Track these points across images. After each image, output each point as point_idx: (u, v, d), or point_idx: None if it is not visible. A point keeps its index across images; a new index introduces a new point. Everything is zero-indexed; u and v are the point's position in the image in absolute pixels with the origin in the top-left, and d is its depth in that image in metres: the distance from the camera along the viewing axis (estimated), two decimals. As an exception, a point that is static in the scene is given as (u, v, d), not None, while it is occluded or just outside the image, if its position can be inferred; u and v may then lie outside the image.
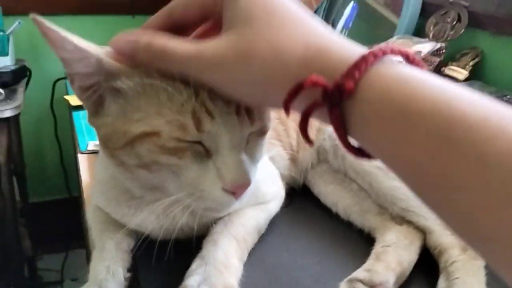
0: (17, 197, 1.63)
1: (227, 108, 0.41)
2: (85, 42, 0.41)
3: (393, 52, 0.32)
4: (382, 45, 0.32)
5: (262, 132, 0.46)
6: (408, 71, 0.30)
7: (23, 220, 1.72)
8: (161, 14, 0.42)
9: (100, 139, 0.46)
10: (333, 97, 0.31)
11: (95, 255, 0.57)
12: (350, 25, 1.34)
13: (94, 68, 0.41)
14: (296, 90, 0.32)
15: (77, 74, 0.42)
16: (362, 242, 0.64)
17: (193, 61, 0.37)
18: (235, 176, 0.42)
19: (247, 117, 0.42)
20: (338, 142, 0.69)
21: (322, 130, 0.73)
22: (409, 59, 0.32)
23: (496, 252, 0.26)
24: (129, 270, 0.56)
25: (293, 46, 0.33)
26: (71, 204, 1.85)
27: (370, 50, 0.31)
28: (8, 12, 1.58)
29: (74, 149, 1.00)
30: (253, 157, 0.46)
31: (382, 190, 0.64)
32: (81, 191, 0.80)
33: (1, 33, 1.54)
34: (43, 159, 2.03)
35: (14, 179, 1.56)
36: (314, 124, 0.74)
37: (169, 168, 0.42)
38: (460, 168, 0.26)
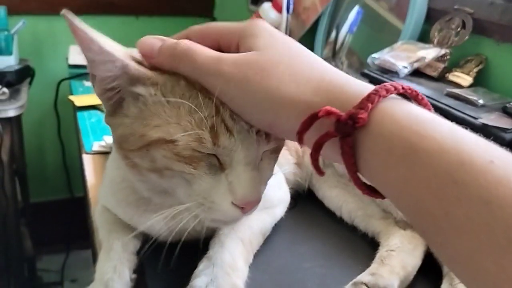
0: (19, 197, 1.64)
1: (247, 126, 0.41)
2: (112, 43, 0.42)
3: (404, 89, 0.33)
4: (393, 82, 0.33)
5: (276, 150, 0.47)
6: (418, 111, 0.31)
7: (24, 220, 1.73)
8: (178, 36, 0.43)
9: (116, 139, 0.47)
10: (346, 127, 0.31)
11: (101, 255, 0.58)
12: (354, 29, 1.34)
13: (118, 72, 0.42)
14: (311, 120, 0.33)
15: (100, 76, 0.42)
16: (366, 246, 0.65)
17: (212, 67, 0.38)
18: (247, 192, 0.43)
19: (265, 135, 0.43)
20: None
21: (328, 134, 0.74)
22: (418, 99, 0.33)
23: None
24: (135, 272, 0.57)
25: (310, 74, 0.35)
26: (73, 204, 1.86)
27: (382, 85, 0.32)
28: (12, 12, 1.59)
29: (78, 150, 1.00)
30: (264, 175, 0.46)
31: (387, 195, 0.65)
32: (86, 191, 0.80)
33: (6, 33, 1.55)
34: (44, 159, 2.04)
35: (16, 179, 1.56)
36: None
37: (181, 176, 0.43)
38: (464, 211, 0.26)
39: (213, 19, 2.13)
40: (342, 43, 1.40)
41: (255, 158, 0.43)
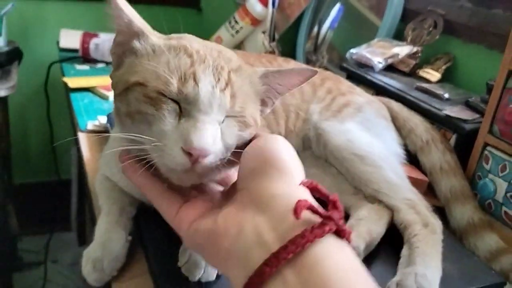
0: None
1: (214, 82, 0.48)
2: (134, 12, 0.50)
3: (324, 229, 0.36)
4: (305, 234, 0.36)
5: (242, 123, 0.50)
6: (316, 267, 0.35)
7: (9, 199, 1.76)
8: None
9: (113, 91, 0.53)
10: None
11: (100, 218, 0.64)
12: (335, 25, 1.42)
13: (125, 27, 0.50)
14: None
15: (116, 30, 0.51)
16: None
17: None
18: (194, 138, 0.45)
19: (229, 98, 0.49)
20: (320, 131, 0.78)
21: (307, 121, 0.81)
22: (341, 234, 0.38)
23: None
24: (130, 234, 0.63)
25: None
26: (59, 187, 1.89)
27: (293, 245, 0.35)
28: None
29: (73, 130, 1.05)
30: (224, 137, 0.48)
31: (358, 174, 0.73)
32: (83, 166, 0.86)
33: (-4, 15, 1.57)
34: (30, 141, 2.06)
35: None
36: (300, 115, 0.82)
37: (146, 119, 0.47)
38: None
39: (200, 10, 2.19)
40: (324, 38, 1.47)
41: (214, 114, 0.48)
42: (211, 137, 0.46)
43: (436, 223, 0.67)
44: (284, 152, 0.46)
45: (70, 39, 1.55)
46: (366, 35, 1.23)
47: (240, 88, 0.51)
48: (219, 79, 0.48)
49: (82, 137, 0.96)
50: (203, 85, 0.47)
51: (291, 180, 0.43)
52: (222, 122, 0.49)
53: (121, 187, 0.67)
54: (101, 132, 0.95)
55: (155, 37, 0.51)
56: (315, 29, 1.50)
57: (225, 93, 0.48)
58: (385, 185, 0.71)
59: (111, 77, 0.53)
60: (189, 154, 0.45)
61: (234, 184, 0.51)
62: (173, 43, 0.50)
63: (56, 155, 1.82)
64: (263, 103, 0.55)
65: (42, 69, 1.64)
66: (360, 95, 0.88)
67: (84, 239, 1.91)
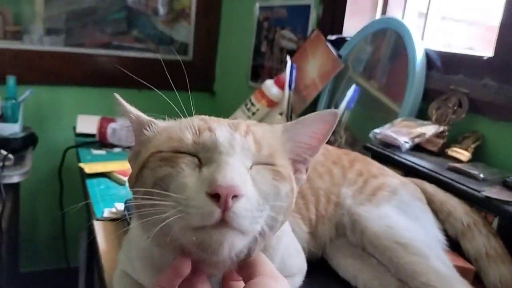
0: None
1: (232, 131, 0.45)
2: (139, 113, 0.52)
3: None
4: None
5: (275, 172, 0.46)
6: None
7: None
8: None
9: (132, 184, 0.50)
10: None
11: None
12: (352, 106, 1.41)
13: (135, 124, 0.51)
14: None
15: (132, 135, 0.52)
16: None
17: None
18: (219, 176, 0.40)
19: (254, 143, 0.45)
20: (356, 217, 0.73)
21: (340, 205, 0.76)
22: None
23: None
24: None
25: None
26: (68, 274, 1.81)
27: None
28: (20, 82, 1.65)
29: (87, 216, 1.00)
30: (256, 184, 0.44)
31: (403, 265, 0.66)
32: (98, 257, 0.80)
33: (13, 101, 1.59)
34: (39, 228, 2.00)
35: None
36: (332, 199, 0.78)
37: (164, 183, 0.43)
38: None
39: (213, 93, 2.22)
40: (341, 119, 1.46)
41: (239, 156, 0.44)
42: (238, 174, 0.41)
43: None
44: None
45: (87, 124, 1.56)
46: (379, 116, 1.21)
47: (263, 138, 0.47)
48: (236, 129, 0.46)
49: (97, 225, 0.91)
50: (220, 132, 0.45)
51: None
52: (251, 168, 0.45)
53: (144, 285, 0.61)
54: (118, 220, 0.90)
55: (163, 123, 0.52)
56: (332, 109, 1.49)
57: (247, 138, 0.45)
58: (434, 276, 0.64)
59: (128, 180, 0.51)
60: (216, 198, 0.40)
61: None
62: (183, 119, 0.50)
63: (66, 242, 1.75)
64: (295, 167, 0.52)
65: (57, 155, 1.63)
66: (393, 177, 0.84)
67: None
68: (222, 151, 0.43)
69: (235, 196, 0.40)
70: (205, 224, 0.40)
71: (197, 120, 0.48)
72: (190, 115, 0.52)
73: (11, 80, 1.62)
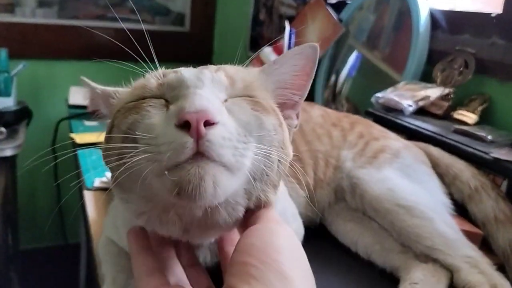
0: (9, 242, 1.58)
1: (199, 70, 0.42)
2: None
3: None
4: None
5: (255, 104, 0.42)
6: None
7: (13, 267, 1.66)
8: None
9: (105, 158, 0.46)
10: None
11: (106, 289, 0.54)
12: (353, 73, 1.36)
13: (101, 97, 0.50)
14: None
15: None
16: (385, 282, 0.62)
17: None
18: (185, 104, 0.36)
19: (226, 78, 0.42)
20: (356, 180, 0.69)
21: (340, 168, 0.72)
22: None
23: None
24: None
25: None
26: (66, 251, 1.79)
27: None
28: (13, 55, 1.60)
29: (79, 188, 0.97)
30: (234, 114, 0.39)
31: (405, 228, 0.63)
32: (88, 227, 0.76)
33: (6, 74, 1.55)
34: (37, 204, 1.98)
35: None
36: (331, 162, 0.73)
37: (132, 130, 0.39)
38: None
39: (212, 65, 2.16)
40: (342, 87, 1.41)
41: (208, 88, 0.40)
42: (208, 100, 0.37)
43: (505, 283, 0.56)
44: (286, 252, 0.36)
45: (79, 96, 1.51)
46: (382, 87, 1.16)
47: (237, 73, 0.43)
48: (206, 69, 0.43)
49: (88, 196, 0.88)
50: (187, 71, 0.41)
51: None
52: (226, 101, 0.41)
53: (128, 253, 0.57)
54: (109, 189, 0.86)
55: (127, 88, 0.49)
56: (333, 77, 1.44)
57: (217, 73, 0.41)
58: (440, 240, 0.60)
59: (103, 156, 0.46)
60: (187, 128, 0.35)
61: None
62: None
63: (64, 218, 1.73)
64: (284, 114, 0.48)
65: (51, 128, 1.59)
66: (395, 139, 0.80)
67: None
68: (190, 85, 0.39)
69: (208, 125, 0.35)
70: (179, 160, 0.35)
71: (162, 69, 0.45)
72: None
73: (3, 53, 1.57)
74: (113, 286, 0.54)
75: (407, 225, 0.63)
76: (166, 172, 0.36)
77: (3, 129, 1.34)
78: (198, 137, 0.35)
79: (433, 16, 1.13)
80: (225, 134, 0.36)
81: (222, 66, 0.46)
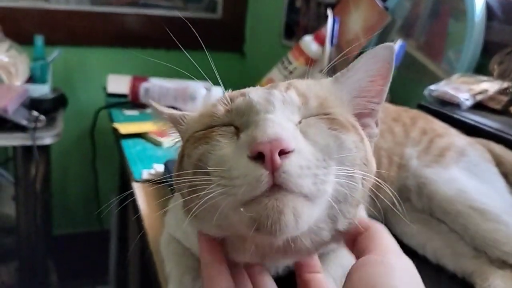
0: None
1: (267, 90, 0.40)
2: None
3: None
4: None
5: (332, 122, 0.39)
6: None
7: (49, 254, 1.68)
8: None
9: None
10: None
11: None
12: (398, 63, 1.32)
13: (172, 123, 0.48)
14: None
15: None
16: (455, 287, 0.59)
17: None
18: (258, 133, 0.34)
19: (298, 97, 0.39)
20: (423, 180, 0.66)
21: (405, 167, 0.69)
22: None
23: None
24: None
25: None
26: (101, 237, 1.80)
27: None
28: (47, 43, 1.60)
29: (120, 179, 0.96)
30: (309, 137, 0.37)
31: (480, 233, 0.60)
32: (140, 219, 0.75)
33: (42, 61, 1.55)
34: (71, 190, 2.00)
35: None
36: (395, 160, 0.70)
37: (203, 163, 0.37)
38: None
39: (243, 54, 2.13)
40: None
41: (279, 111, 0.37)
42: (281, 127, 0.34)
43: None
44: None
45: (118, 84, 1.50)
46: (416, 77, 1.12)
47: (309, 90, 0.40)
48: (274, 88, 0.40)
49: (137, 187, 0.86)
50: (255, 93, 0.39)
51: None
52: (299, 123, 0.38)
53: (194, 252, 0.55)
54: (158, 182, 0.85)
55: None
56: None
57: (288, 92, 0.39)
58: (520, 245, 0.57)
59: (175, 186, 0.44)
60: (261, 159, 0.33)
61: None
62: None
63: (100, 204, 1.73)
64: (362, 123, 0.44)
65: (87, 116, 1.59)
66: (459, 136, 0.76)
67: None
68: (259, 109, 0.37)
69: (283, 154, 0.33)
70: (255, 194, 0.33)
71: (229, 92, 0.43)
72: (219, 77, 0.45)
73: (39, 40, 1.56)
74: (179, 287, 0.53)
75: (482, 229, 0.59)
76: (241, 209, 0.34)
77: (42, 117, 1.33)
78: (274, 169, 0.33)
79: (488, 6, 1.08)
80: (302, 163, 0.34)
81: (292, 82, 0.43)
